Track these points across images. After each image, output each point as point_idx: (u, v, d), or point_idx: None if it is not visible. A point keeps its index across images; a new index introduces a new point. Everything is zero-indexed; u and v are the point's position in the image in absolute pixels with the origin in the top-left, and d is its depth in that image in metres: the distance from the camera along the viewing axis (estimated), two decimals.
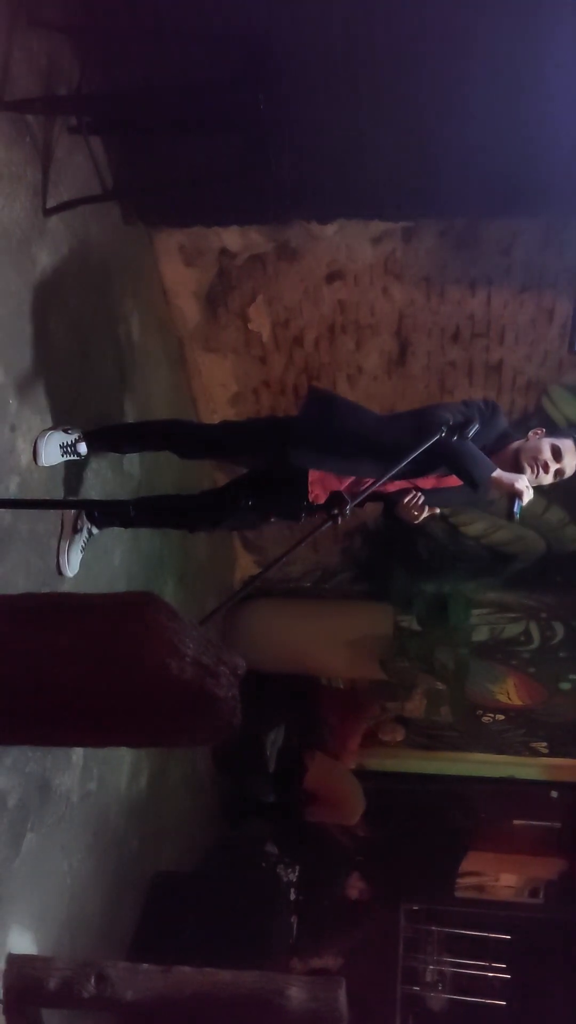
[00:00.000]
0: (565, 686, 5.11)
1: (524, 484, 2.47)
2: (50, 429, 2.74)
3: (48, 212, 2.80)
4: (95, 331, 3.20)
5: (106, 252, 3.28)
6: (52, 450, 2.72)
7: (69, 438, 2.78)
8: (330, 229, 3.63)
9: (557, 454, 2.63)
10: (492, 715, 5.35)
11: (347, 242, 3.68)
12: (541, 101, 3.00)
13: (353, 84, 3.04)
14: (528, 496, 2.47)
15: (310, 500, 2.74)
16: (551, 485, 2.73)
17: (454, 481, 2.67)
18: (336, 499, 2.22)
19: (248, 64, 2.89)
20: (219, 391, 4.35)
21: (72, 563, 2.88)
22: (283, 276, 3.82)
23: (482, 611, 5.01)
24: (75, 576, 2.94)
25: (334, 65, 2.99)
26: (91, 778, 3.19)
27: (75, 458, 2.82)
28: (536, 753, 5.56)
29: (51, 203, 2.80)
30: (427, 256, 3.70)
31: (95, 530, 2.97)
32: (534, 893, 6.09)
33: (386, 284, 3.81)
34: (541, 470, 2.62)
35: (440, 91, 3.02)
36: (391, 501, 2.74)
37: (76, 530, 2.88)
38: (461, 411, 2.63)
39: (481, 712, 5.33)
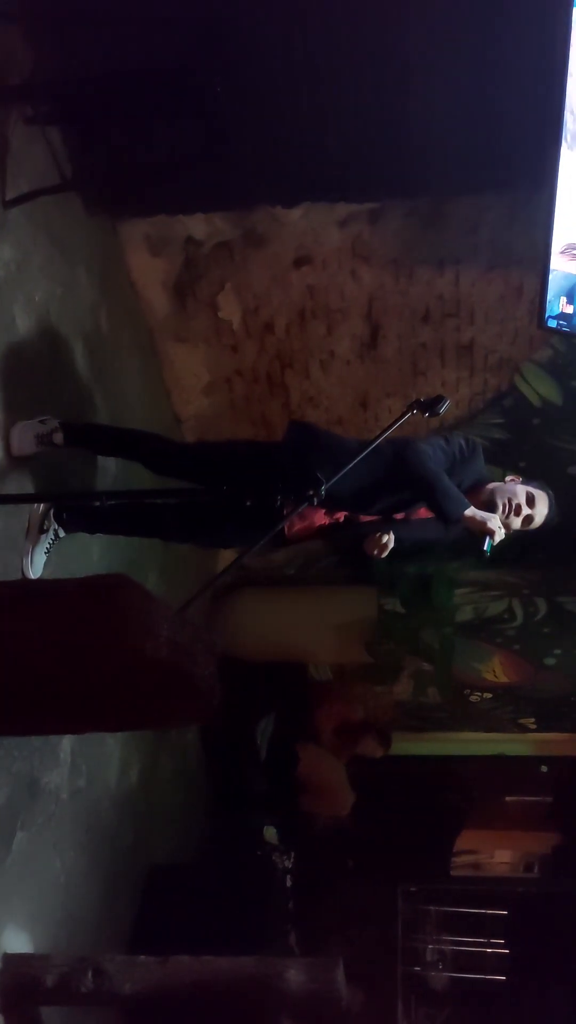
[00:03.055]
0: (550, 661, 5.13)
1: (496, 524, 2.54)
2: (25, 420, 2.72)
3: (8, 204, 2.76)
4: (63, 325, 3.17)
5: (70, 244, 3.24)
6: (27, 440, 2.69)
7: (45, 428, 2.75)
8: (296, 213, 3.60)
9: (531, 501, 2.72)
10: (480, 694, 5.36)
11: (313, 226, 3.66)
12: (502, 77, 3.00)
13: (311, 66, 3.02)
14: (500, 535, 2.53)
15: (286, 535, 2.78)
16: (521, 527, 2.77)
17: (425, 513, 2.72)
18: (311, 480, 2.22)
19: (204, 48, 2.87)
20: (192, 381, 4.32)
21: (36, 565, 2.81)
22: (251, 263, 3.79)
23: (465, 590, 5.01)
24: (55, 574, 2.91)
25: (291, 47, 2.97)
26: (80, 774, 3.17)
27: (50, 448, 2.78)
28: (525, 729, 5.59)
29: (10, 195, 2.77)
30: (394, 237, 3.69)
31: (62, 532, 2.90)
32: (529, 867, 6.15)
33: (354, 267, 3.80)
34: (513, 512, 2.69)
35: (400, 70, 3.02)
36: (360, 534, 2.82)
37: (42, 531, 2.82)
38: (442, 448, 2.68)
39: (468, 691, 5.34)
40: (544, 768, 5.78)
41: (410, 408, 2.46)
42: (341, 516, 2.87)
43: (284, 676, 5.24)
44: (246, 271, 3.83)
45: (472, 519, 2.54)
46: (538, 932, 5.65)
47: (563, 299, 3.15)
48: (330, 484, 2.27)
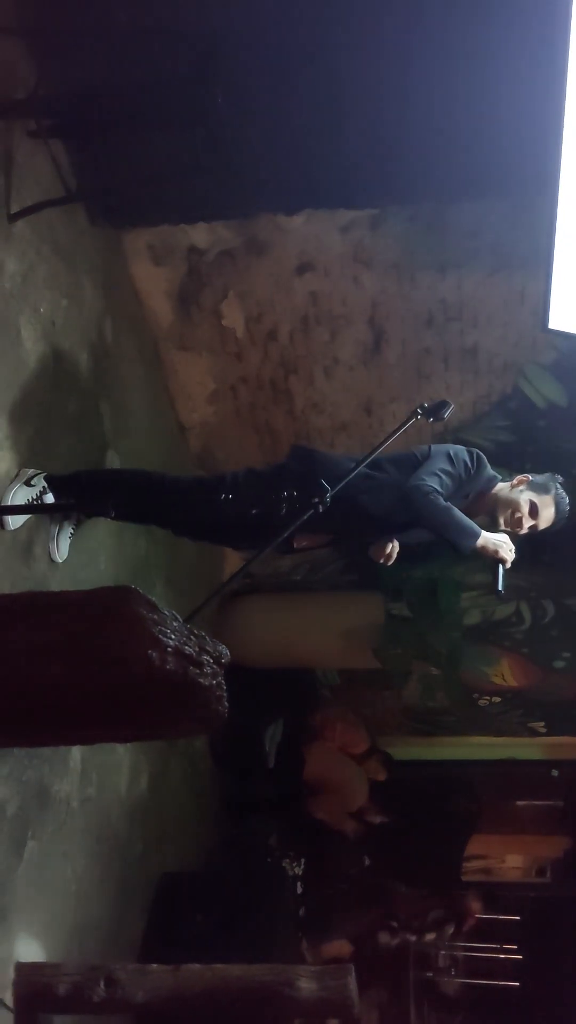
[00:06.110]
0: (559, 664, 5.13)
1: (508, 550, 2.57)
2: (14, 482, 2.63)
3: (12, 218, 2.78)
4: (68, 335, 3.19)
5: (74, 255, 3.26)
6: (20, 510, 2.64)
7: (34, 491, 2.67)
8: (297, 220, 3.62)
9: (534, 511, 2.72)
10: (488, 698, 5.36)
11: (315, 233, 3.67)
12: (502, 82, 2.99)
13: (310, 74, 3.03)
14: (511, 560, 2.57)
15: (295, 547, 2.81)
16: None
17: None
18: (316, 488, 2.24)
19: (204, 59, 2.88)
20: (197, 390, 4.33)
21: (62, 550, 2.92)
22: (253, 270, 3.81)
23: (472, 594, 5.00)
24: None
25: (290, 56, 2.99)
26: (90, 783, 3.18)
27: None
28: (535, 733, 5.57)
29: (15, 208, 2.79)
30: (396, 243, 3.69)
31: (83, 516, 2.99)
32: (541, 872, 6.12)
33: (356, 273, 3.81)
34: (515, 526, 2.71)
35: (399, 76, 3.02)
36: (366, 541, 2.88)
37: (65, 517, 2.92)
38: (447, 473, 2.66)
39: (477, 695, 5.34)
40: (555, 772, 5.75)
41: (414, 413, 2.47)
42: None
43: (292, 682, 5.24)
44: (249, 279, 3.84)
45: (484, 549, 2.57)
46: (551, 937, 5.62)
47: None
48: (334, 491, 2.28)
